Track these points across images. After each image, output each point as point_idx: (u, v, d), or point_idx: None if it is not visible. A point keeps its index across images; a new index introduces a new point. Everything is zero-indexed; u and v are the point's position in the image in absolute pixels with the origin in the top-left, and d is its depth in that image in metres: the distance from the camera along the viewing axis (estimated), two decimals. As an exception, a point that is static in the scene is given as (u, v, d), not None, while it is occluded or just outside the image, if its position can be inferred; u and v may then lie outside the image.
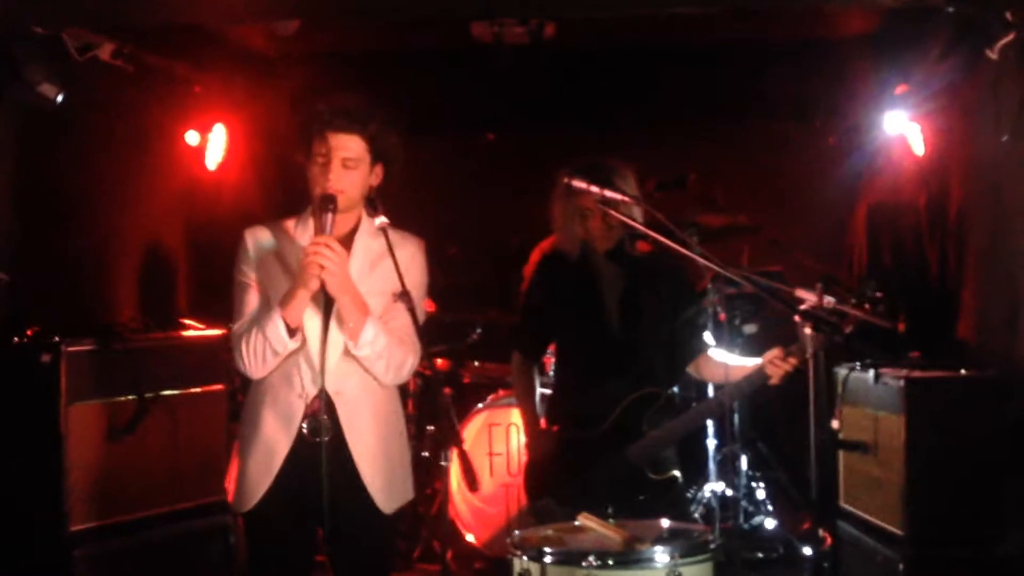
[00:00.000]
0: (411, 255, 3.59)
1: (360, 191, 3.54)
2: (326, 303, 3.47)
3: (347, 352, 3.51)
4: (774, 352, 3.91)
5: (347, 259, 3.44)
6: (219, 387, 5.02)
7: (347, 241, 3.57)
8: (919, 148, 5.58)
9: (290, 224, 3.62)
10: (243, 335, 3.48)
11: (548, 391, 4.49)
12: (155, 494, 4.70)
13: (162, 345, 4.88)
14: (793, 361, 3.87)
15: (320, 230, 3.45)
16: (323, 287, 3.40)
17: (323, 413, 3.48)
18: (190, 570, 4.74)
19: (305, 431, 3.49)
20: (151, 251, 6.04)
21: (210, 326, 5.12)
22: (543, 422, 4.31)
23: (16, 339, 4.47)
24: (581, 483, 4.04)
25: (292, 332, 3.43)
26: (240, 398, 4.52)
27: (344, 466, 3.51)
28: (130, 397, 4.62)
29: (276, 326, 3.42)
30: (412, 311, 3.38)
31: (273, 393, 3.54)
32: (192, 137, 6.16)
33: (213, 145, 6.24)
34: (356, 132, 3.47)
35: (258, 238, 3.60)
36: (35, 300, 4.85)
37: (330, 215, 3.42)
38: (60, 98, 4.66)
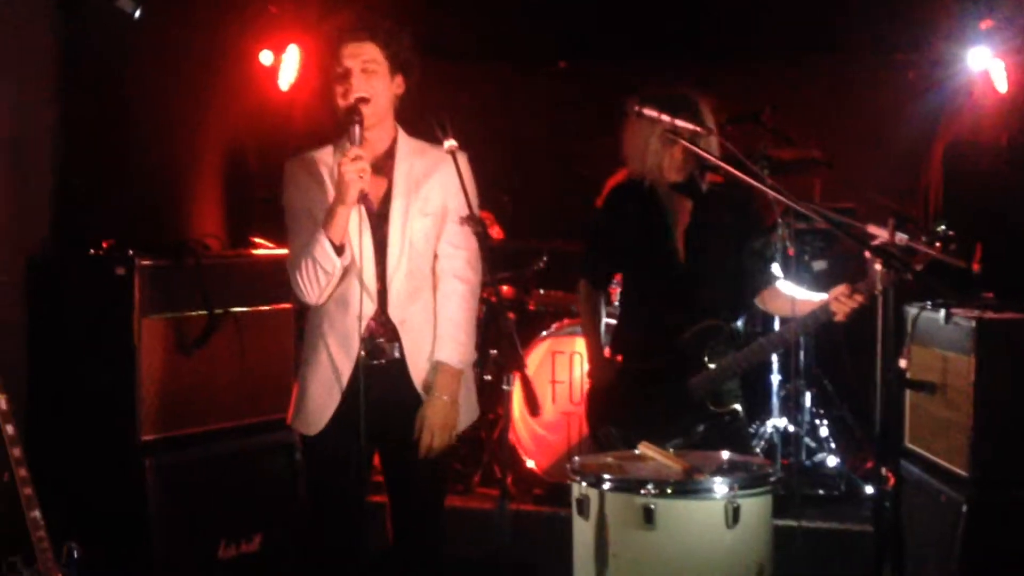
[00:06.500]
0: (462, 172, 3.56)
1: (385, 100, 3.54)
2: (374, 223, 3.47)
3: (411, 277, 3.53)
4: (840, 288, 3.86)
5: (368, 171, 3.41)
6: (287, 306, 5.07)
7: (386, 162, 3.58)
8: (1002, 85, 5.43)
9: (328, 151, 3.63)
10: (296, 263, 3.51)
11: (614, 321, 4.49)
12: (222, 408, 4.78)
13: (233, 263, 4.94)
14: (859, 298, 3.81)
15: (352, 143, 3.43)
16: (366, 205, 3.40)
17: (381, 335, 3.50)
18: (254, 484, 4.83)
19: (363, 354, 3.52)
20: (223, 169, 6.09)
21: (280, 245, 5.17)
22: (607, 351, 4.31)
23: (92, 251, 4.56)
24: (642, 413, 4.05)
25: (339, 250, 3.44)
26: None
27: (410, 391, 3.57)
28: (201, 312, 4.70)
29: (322, 246, 3.43)
30: (479, 235, 3.39)
31: (330, 318, 3.58)
32: (266, 57, 6.17)
33: (286, 66, 6.25)
34: (368, 39, 3.49)
35: (298, 167, 3.62)
36: (112, 214, 4.93)
37: (358, 127, 3.42)
38: (138, 14, 4.69)
